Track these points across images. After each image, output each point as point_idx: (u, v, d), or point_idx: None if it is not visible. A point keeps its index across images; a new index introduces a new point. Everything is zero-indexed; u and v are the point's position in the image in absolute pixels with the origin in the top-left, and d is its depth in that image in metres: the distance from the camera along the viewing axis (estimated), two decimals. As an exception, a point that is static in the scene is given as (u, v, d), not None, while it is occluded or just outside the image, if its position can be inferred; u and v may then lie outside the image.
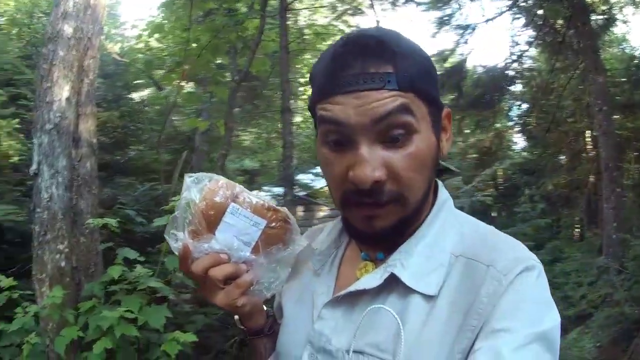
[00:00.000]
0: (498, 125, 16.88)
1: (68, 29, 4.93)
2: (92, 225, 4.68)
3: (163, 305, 4.25)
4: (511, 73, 14.06)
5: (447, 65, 14.69)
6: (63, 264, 4.54)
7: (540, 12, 12.73)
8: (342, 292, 1.01)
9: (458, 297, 0.92)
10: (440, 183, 1.10)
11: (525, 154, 20.39)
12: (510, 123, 18.01)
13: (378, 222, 0.96)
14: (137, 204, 8.55)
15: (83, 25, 5.03)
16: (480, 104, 13.88)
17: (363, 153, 0.90)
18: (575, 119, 15.25)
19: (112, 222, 4.43)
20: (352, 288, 1.00)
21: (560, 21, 12.56)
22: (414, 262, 0.97)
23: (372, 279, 0.98)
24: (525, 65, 14.35)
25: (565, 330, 9.15)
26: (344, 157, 0.93)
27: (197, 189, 1.01)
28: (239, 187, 1.03)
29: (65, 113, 4.83)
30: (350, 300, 1.01)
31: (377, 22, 9.12)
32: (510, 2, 13.01)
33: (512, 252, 0.95)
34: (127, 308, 3.83)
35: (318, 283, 1.12)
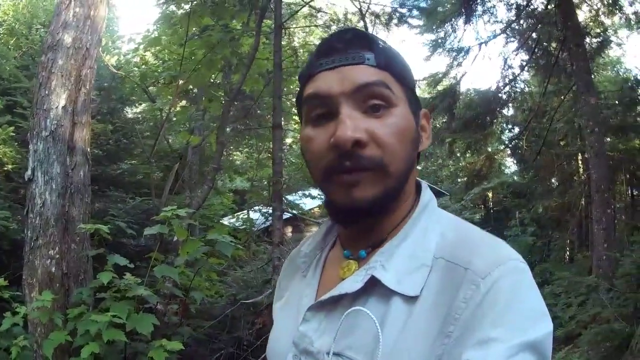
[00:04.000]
0: (490, 148, 16.86)
1: (68, 39, 5.00)
2: (83, 232, 4.71)
3: (151, 314, 4.27)
4: (504, 96, 14.13)
5: (439, 88, 14.77)
6: (53, 269, 4.58)
7: (534, 35, 12.84)
8: (324, 297, 1.01)
9: (437, 301, 0.89)
10: (424, 184, 1.11)
11: (516, 177, 20.50)
12: (502, 146, 18.04)
13: (357, 192, 0.95)
14: (128, 217, 8.54)
15: (82, 35, 5.10)
16: (472, 126, 13.89)
17: (344, 117, 0.94)
18: (567, 141, 15.35)
19: (104, 228, 4.46)
20: (334, 292, 0.99)
21: (554, 44, 12.68)
22: (395, 263, 0.96)
23: (353, 282, 0.97)
24: (517, 88, 14.42)
25: (554, 350, 9.19)
26: (327, 129, 0.97)
27: None
28: None
29: (62, 121, 4.90)
30: (333, 302, 1.00)
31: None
32: (503, 26, 13.13)
33: (491, 253, 0.91)
34: (115, 313, 3.85)
35: (304, 285, 1.13)
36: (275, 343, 1.13)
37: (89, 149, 5.28)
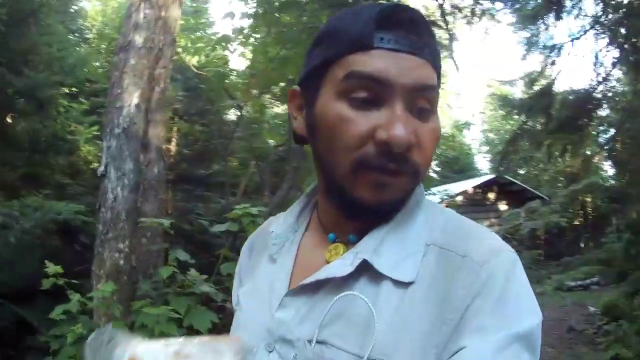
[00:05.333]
0: (588, 152, 16.19)
1: (139, 39, 5.14)
2: (156, 227, 4.82)
3: (212, 311, 4.30)
4: (598, 95, 13.56)
5: (535, 88, 14.30)
6: (122, 262, 4.72)
7: (622, 30, 12.28)
8: (307, 281, 0.94)
9: (432, 287, 0.86)
10: None
11: (613, 181, 19.64)
12: (598, 149, 17.32)
13: (387, 193, 0.89)
14: (215, 216, 8.70)
15: (154, 35, 5.23)
16: (567, 128, 13.39)
17: (400, 114, 0.85)
18: (659, 143, 14.59)
19: (165, 222, 4.53)
20: (319, 276, 0.93)
21: (643, 39, 12.08)
22: (387, 248, 0.91)
23: (341, 265, 0.91)
24: (611, 87, 13.81)
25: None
26: (370, 116, 0.87)
27: None
28: None
29: (134, 119, 5.03)
30: (315, 287, 0.94)
31: (451, 35, 8.95)
32: (592, 20, 12.62)
33: (486, 242, 0.89)
34: (173, 308, 3.91)
35: (275, 269, 1.05)
36: (243, 332, 1.04)
37: (164, 146, 5.41)
